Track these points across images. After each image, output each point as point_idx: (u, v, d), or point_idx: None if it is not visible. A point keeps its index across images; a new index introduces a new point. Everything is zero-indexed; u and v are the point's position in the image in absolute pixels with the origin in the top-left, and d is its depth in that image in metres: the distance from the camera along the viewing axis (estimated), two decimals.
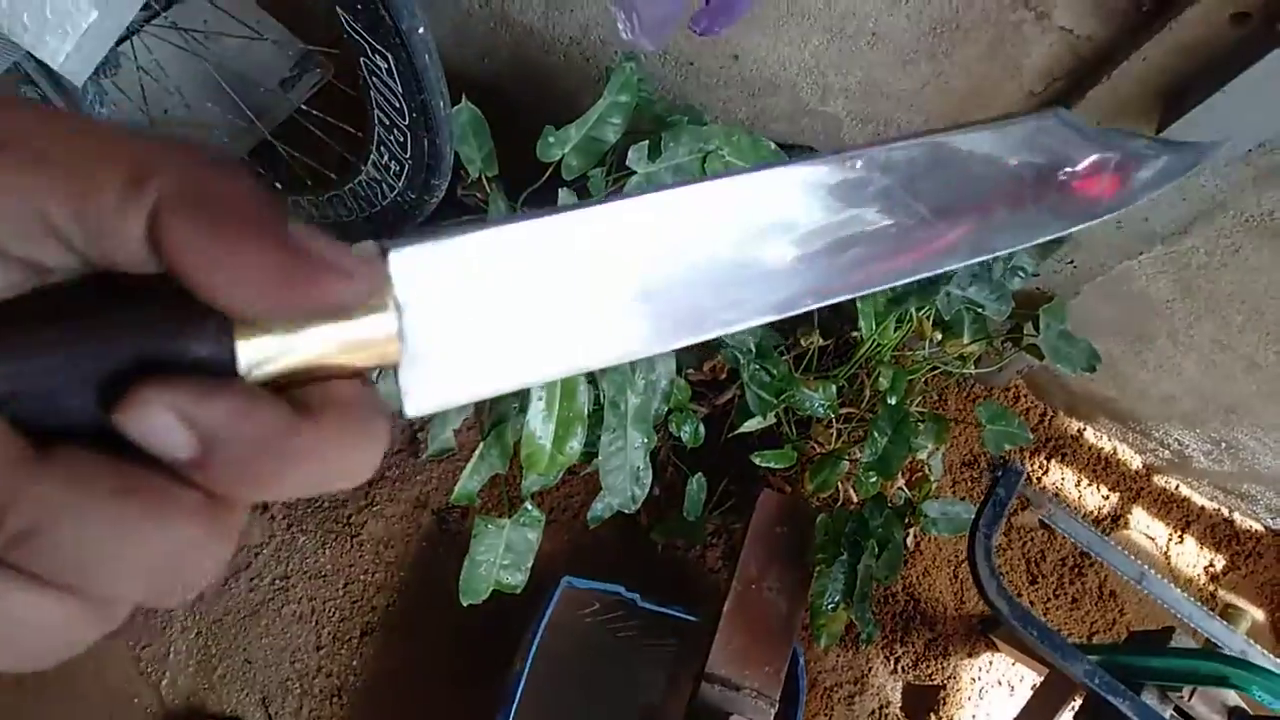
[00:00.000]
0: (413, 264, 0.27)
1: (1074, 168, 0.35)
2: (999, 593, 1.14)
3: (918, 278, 0.34)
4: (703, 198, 0.31)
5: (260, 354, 0.24)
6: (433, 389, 0.28)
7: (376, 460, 0.26)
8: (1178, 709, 1.17)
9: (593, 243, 0.30)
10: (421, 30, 0.96)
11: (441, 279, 0.28)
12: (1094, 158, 0.35)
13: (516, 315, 0.29)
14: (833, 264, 0.32)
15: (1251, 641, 1.19)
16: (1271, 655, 1.19)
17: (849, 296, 0.33)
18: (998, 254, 0.35)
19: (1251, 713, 1.15)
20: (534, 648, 1.39)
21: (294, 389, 0.25)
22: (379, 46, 0.99)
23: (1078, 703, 1.29)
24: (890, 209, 0.33)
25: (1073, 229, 0.36)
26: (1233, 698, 1.17)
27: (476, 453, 1.26)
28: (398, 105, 1.07)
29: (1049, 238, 0.36)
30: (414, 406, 0.28)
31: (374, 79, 1.05)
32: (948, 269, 0.36)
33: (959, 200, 0.34)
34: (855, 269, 0.32)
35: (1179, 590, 1.20)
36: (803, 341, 1.51)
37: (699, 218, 0.31)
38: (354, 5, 0.95)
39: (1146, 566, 1.19)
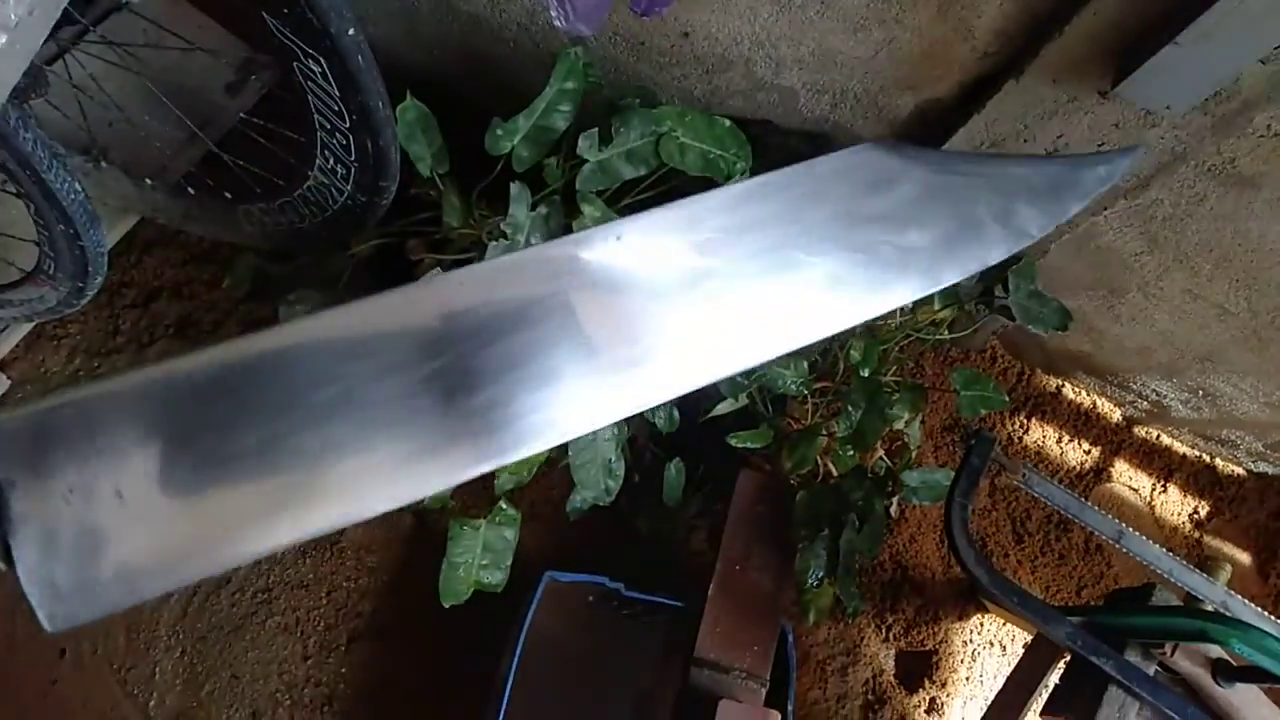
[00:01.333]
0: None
1: (890, 204, 0.33)
2: (977, 562, 1.13)
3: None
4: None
5: None
6: (81, 593, 0.22)
7: None
8: (1161, 664, 1.18)
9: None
10: (351, 31, 0.94)
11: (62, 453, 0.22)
12: (910, 187, 0.33)
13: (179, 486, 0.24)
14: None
15: (1232, 593, 1.19)
16: (1253, 605, 1.19)
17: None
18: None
19: (1234, 664, 1.16)
20: (520, 644, 1.38)
21: None
22: (310, 50, 0.96)
23: (1069, 657, 1.29)
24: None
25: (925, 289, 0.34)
26: (1216, 650, 1.17)
27: None
28: (336, 109, 1.05)
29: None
30: (53, 620, 0.23)
31: (310, 83, 1.03)
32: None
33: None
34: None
35: (1158, 546, 1.19)
36: None
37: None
38: (280, 10, 0.92)
39: (1124, 525, 1.19)
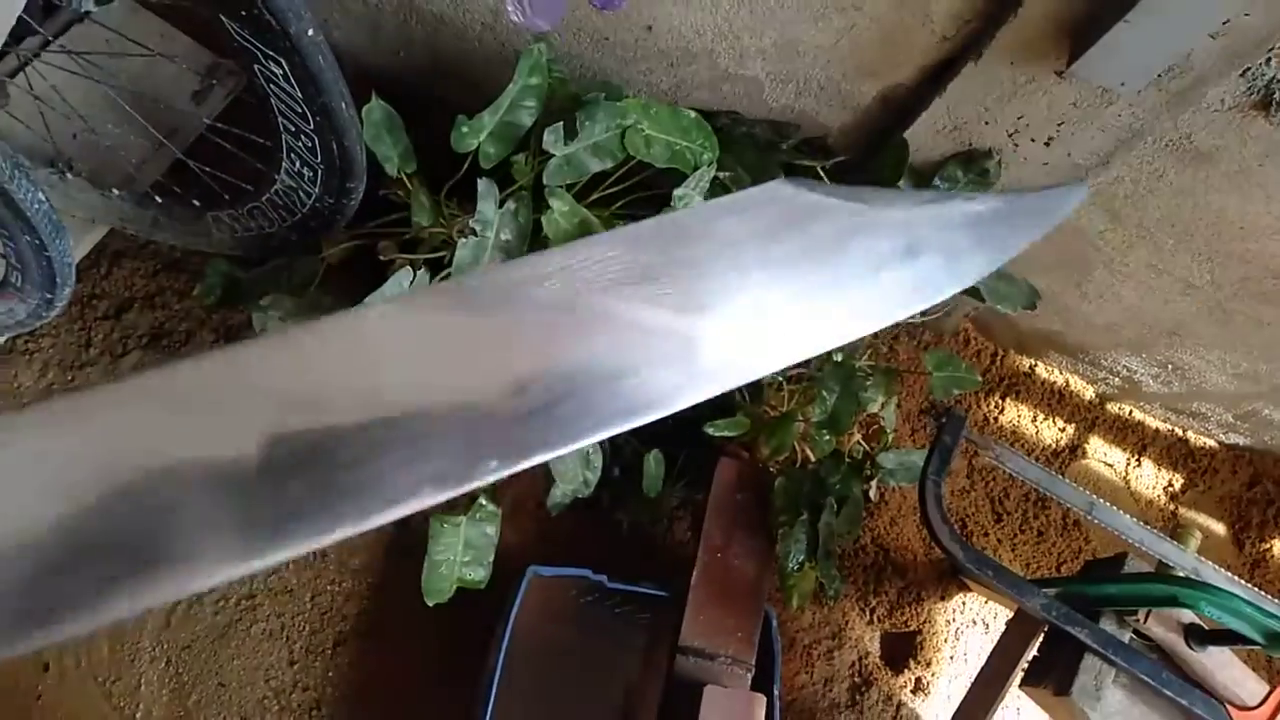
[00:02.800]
0: None
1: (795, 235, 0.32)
2: (951, 538, 1.15)
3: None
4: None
5: None
6: None
7: None
8: (1136, 631, 1.20)
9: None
10: (311, 32, 0.94)
11: None
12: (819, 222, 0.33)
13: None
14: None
15: (1202, 559, 1.21)
16: (1224, 570, 1.21)
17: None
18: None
19: (1206, 628, 1.18)
20: (506, 640, 1.39)
21: None
22: (270, 53, 0.97)
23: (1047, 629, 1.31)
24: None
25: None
26: (1188, 615, 1.19)
27: None
28: (300, 111, 1.05)
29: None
30: None
31: (272, 86, 1.03)
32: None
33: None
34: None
35: (1128, 516, 1.21)
36: None
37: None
38: (238, 13, 0.93)
39: (1095, 497, 1.21)
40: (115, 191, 1.42)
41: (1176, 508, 1.98)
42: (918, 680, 1.76)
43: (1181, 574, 1.21)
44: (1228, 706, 1.14)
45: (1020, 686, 1.28)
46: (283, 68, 0.98)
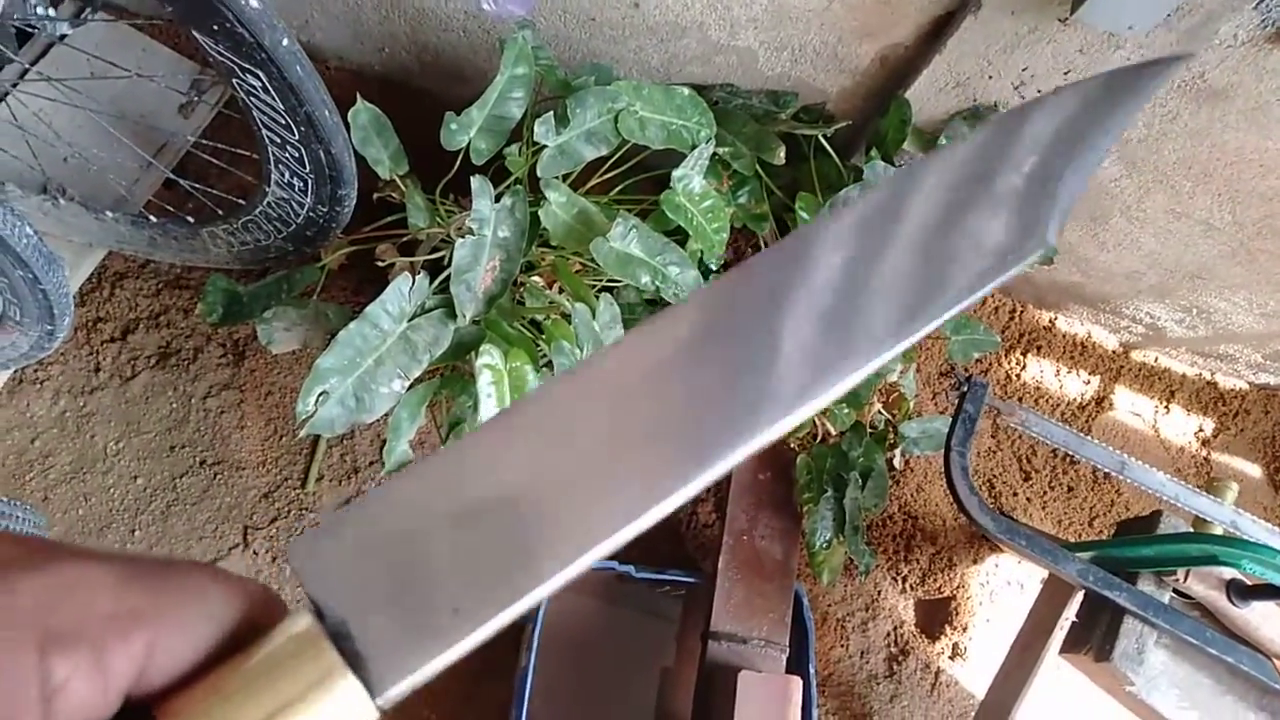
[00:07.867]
0: (315, 557, 0.26)
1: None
2: (981, 509, 1.12)
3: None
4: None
5: None
6: (402, 671, 0.26)
7: None
8: (1176, 590, 1.17)
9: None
10: (286, 42, 0.91)
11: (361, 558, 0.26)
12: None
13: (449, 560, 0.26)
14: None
15: (1240, 511, 1.18)
16: (1263, 521, 1.18)
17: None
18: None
19: (1249, 583, 1.15)
20: (536, 637, 1.38)
21: None
22: (247, 66, 0.94)
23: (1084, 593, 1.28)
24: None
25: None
26: (1229, 571, 1.16)
27: None
28: (283, 121, 1.02)
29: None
30: (385, 698, 0.26)
31: (252, 99, 1.00)
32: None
33: None
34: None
35: (1161, 474, 1.18)
36: None
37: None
38: (209, 27, 0.90)
39: (1126, 456, 1.18)
40: (109, 214, 1.40)
41: (1209, 453, 1.94)
42: (955, 646, 1.74)
43: (1220, 529, 1.18)
44: (1275, 661, 1.12)
45: (1060, 653, 1.26)
46: (261, 80, 0.95)
